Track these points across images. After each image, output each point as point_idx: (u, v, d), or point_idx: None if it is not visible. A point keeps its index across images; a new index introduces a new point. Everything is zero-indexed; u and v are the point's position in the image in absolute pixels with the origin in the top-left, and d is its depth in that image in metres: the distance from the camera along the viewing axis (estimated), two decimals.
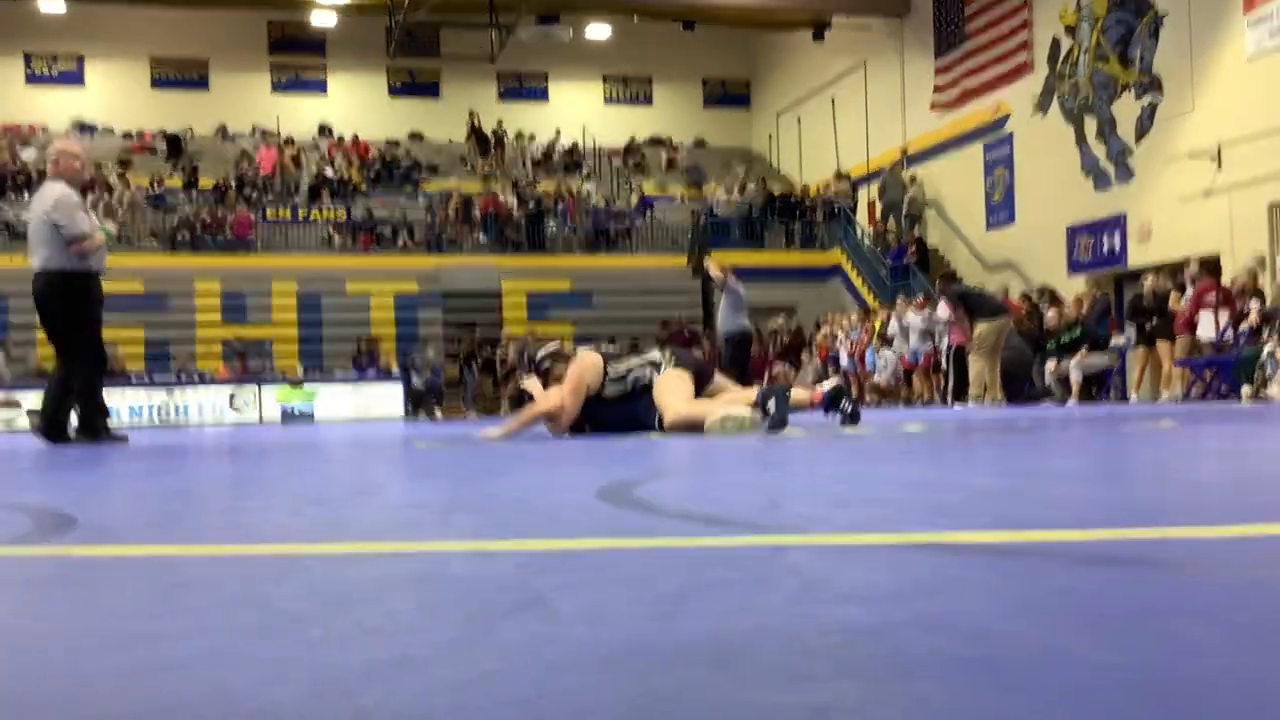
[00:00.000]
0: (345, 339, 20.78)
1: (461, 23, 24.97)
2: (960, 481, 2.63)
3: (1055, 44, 18.17)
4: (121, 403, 17.20)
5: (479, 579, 1.30)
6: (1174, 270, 13.87)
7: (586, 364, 6.25)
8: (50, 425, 7.27)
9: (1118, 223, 16.80)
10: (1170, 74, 15.80)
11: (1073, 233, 17.72)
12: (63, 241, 7.13)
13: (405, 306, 21.89)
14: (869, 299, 21.19)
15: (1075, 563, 1.30)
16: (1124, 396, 14.28)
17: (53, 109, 26.47)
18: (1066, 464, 3.31)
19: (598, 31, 27.74)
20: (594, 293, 22.46)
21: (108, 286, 7.74)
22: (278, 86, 28.41)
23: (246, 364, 19.66)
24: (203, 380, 19.10)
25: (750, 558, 1.42)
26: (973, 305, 13.06)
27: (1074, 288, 16.37)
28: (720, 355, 13.71)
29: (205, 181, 24.06)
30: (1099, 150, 17.17)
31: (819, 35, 23.64)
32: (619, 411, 6.22)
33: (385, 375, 19.82)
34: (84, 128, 26.25)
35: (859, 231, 23.03)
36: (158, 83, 27.72)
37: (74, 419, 7.39)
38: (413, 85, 29.02)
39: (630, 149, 28.22)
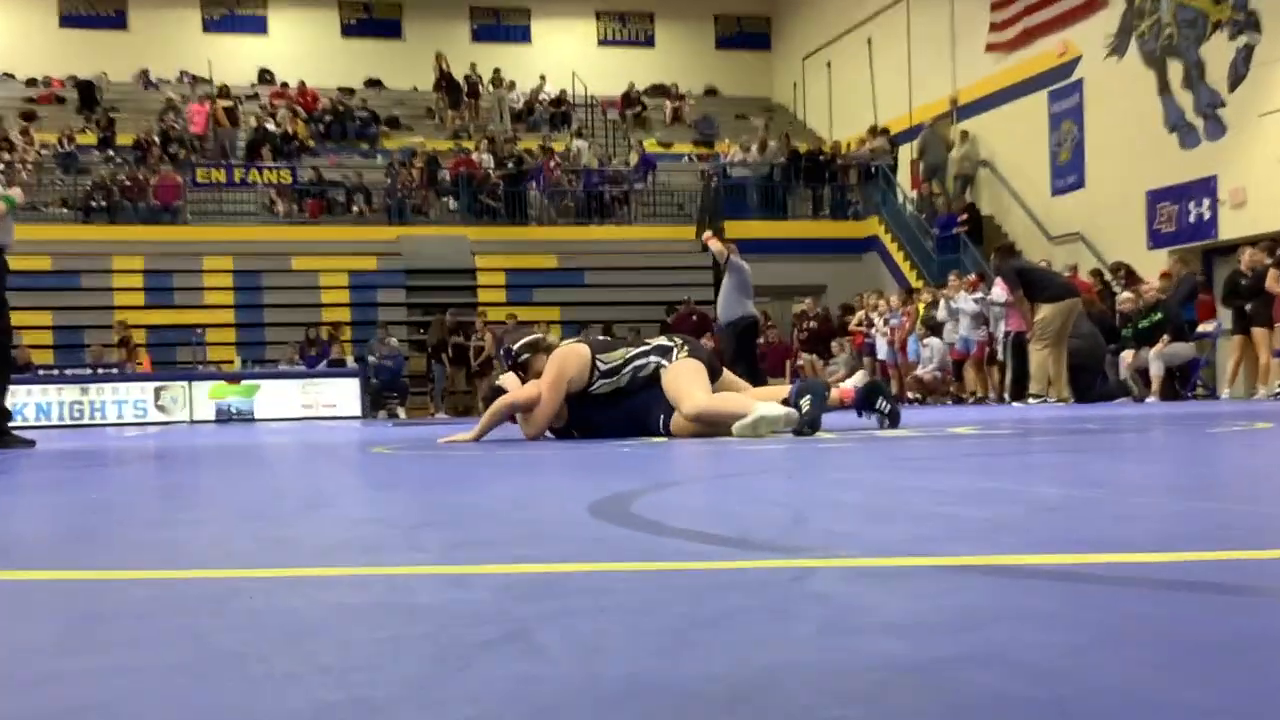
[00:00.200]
0: (291, 325, 20.79)
1: None
2: (1019, 493, 2.63)
3: None
4: (27, 401, 17.21)
5: (450, 608, 1.30)
6: (1273, 244, 13.85)
7: (570, 353, 6.18)
8: None
9: (1207, 187, 16.79)
10: (1270, 10, 15.76)
11: (1153, 199, 17.71)
12: None
13: (362, 287, 21.89)
14: (911, 278, 21.19)
15: (1156, 588, 1.30)
16: (1213, 393, 14.28)
17: None
18: (1145, 473, 3.31)
19: None
20: (585, 270, 22.47)
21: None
22: (210, 25, 28.38)
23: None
24: (122, 375, 19.10)
25: (770, 583, 1.42)
26: (1034, 285, 13.05)
27: (1155, 264, 16.37)
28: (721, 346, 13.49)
29: (124, 138, 24.05)
30: (1185, 101, 17.15)
31: None
32: (611, 412, 6.17)
33: (338, 368, 19.83)
34: None
35: (900, 197, 22.99)
36: (67, 20, 27.68)
37: None
38: (370, 23, 28.99)
39: (628, 99, 28.19)
